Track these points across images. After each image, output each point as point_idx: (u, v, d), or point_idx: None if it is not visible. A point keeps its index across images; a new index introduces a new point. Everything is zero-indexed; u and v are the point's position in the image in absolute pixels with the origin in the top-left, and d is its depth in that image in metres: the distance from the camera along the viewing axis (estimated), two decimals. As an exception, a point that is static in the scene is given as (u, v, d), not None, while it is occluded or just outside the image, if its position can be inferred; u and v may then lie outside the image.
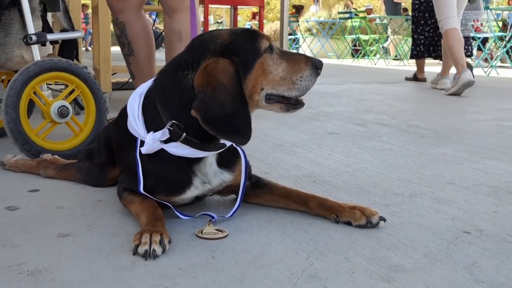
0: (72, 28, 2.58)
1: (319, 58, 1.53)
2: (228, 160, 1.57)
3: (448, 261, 1.29)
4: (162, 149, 1.44)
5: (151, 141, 1.42)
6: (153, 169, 1.49)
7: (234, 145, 1.55)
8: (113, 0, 2.85)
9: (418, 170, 2.20)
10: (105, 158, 1.88)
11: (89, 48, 17.22)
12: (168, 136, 1.42)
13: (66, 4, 2.59)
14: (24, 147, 2.15)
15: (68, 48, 2.55)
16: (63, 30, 2.57)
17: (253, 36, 1.46)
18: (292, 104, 1.49)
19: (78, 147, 2.27)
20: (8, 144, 2.51)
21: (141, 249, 1.26)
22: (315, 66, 1.46)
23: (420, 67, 6.94)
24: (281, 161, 2.34)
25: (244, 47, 1.43)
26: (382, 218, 1.50)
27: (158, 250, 1.27)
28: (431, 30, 6.49)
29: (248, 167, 1.61)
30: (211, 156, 1.51)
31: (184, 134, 1.40)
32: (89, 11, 16.25)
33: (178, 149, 1.43)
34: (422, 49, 6.63)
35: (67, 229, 1.47)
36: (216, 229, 1.46)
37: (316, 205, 1.58)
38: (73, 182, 1.93)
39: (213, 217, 1.52)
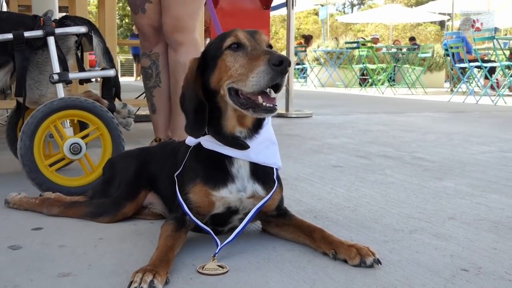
0: (112, 68, 2.59)
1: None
2: (262, 178, 1.65)
3: (444, 300, 1.29)
4: (204, 149, 1.62)
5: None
6: (196, 164, 1.66)
7: (275, 176, 1.67)
8: (151, 34, 3.06)
9: (419, 205, 2.20)
10: (125, 189, 1.91)
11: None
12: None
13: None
14: (30, 175, 2.19)
15: (107, 87, 2.58)
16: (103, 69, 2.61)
17: (223, 36, 1.57)
18: (262, 108, 1.48)
19: (85, 187, 2.28)
20: (12, 181, 2.56)
21: None
22: (272, 62, 1.40)
23: None
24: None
25: (212, 46, 1.59)
26: (376, 261, 1.49)
27: None
28: None
29: (279, 200, 1.73)
30: (241, 161, 1.61)
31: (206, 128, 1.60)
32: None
33: (209, 142, 1.61)
34: None
35: (67, 269, 1.49)
36: (218, 265, 1.48)
37: (319, 236, 1.61)
38: (77, 219, 1.95)
39: (217, 245, 1.54)
